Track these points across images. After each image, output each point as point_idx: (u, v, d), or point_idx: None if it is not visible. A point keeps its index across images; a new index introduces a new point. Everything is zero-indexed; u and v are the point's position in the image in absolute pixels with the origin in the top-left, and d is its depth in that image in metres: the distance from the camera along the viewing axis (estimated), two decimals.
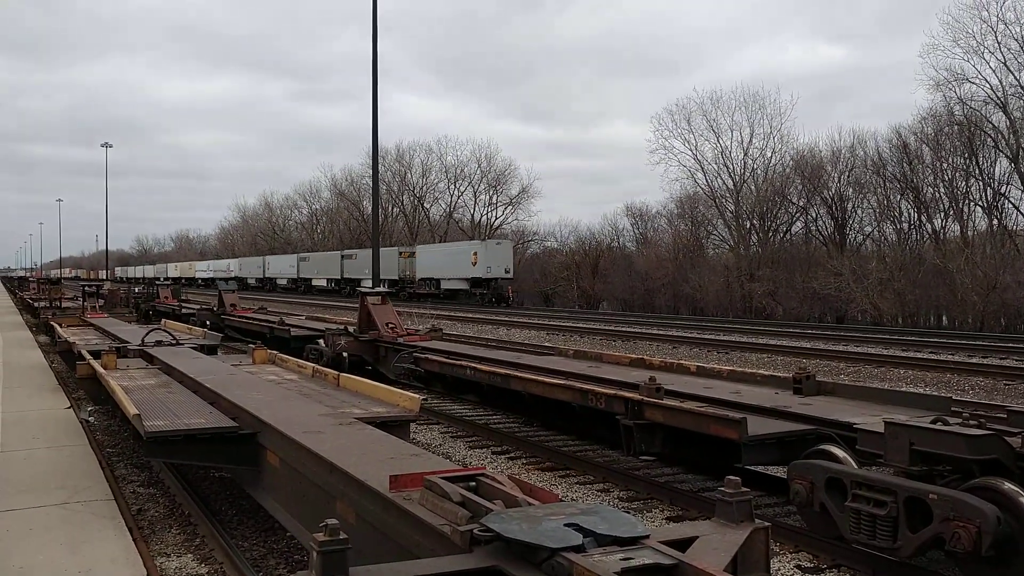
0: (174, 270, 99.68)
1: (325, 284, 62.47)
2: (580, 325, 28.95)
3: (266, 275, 73.97)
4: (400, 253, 52.94)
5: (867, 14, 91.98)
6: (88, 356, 10.63)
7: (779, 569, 5.80)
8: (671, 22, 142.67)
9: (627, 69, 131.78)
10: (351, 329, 14.28)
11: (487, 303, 42.04)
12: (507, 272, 44.94)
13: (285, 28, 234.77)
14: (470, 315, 35.10)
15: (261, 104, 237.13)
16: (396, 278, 51.28)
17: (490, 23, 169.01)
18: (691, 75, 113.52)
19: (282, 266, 72.31)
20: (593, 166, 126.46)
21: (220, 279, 78.76)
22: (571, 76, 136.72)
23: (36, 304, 31.60)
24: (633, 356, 10.82)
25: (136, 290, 35.97)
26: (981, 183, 35.35)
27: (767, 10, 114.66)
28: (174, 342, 12.40)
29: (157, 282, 54.11)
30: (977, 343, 21.22)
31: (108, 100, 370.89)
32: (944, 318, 31.69)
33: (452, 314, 34.74)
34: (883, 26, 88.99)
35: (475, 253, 45.47)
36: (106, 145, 73.76)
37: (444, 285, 47.35)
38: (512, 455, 9.45)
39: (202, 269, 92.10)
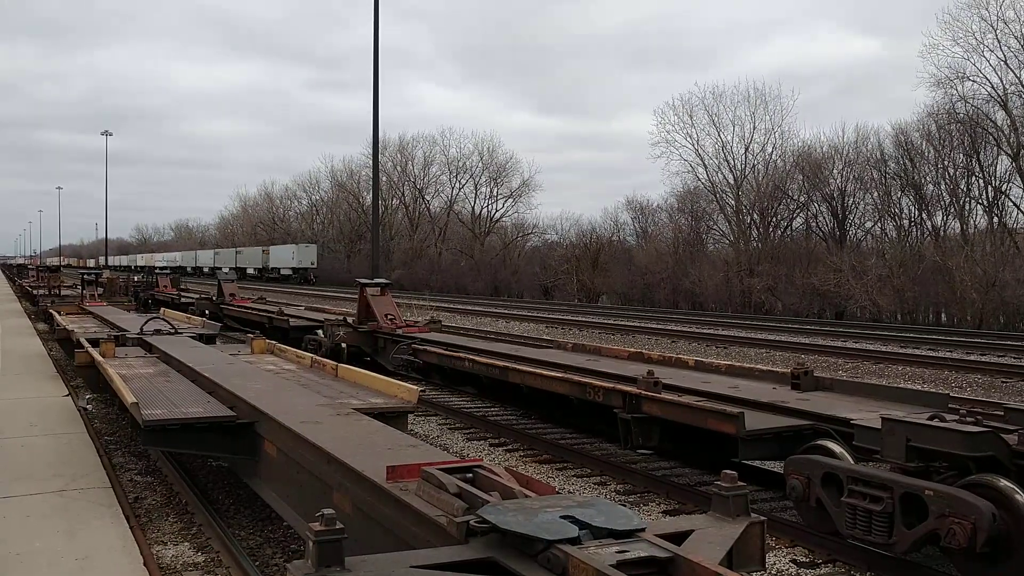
0: (141, 260, 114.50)
1: (227, 272, 79.50)
2: (579, 318, 28.96)
3: (197, 264, 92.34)
4: (263, 251, 76.77)
5: (902, 6, 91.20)
6: (87, 344, 10.63)
7: (774, 563, 5.81)
8: (704, 12, 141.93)
9: (654, 61, 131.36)
10: (350, 320, 14.28)
11: (299, 283, 65.59)
12: (312, 264, 69.07)
13: (306, 15, 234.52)
14: (469, 307, 35.11)
15: (278, 93, 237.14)
16: (260, 267, 75.11)
17: (515, 14, 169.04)
18: (718, 68, 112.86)
19: (206, 259, 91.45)
20: (612, 159, 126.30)
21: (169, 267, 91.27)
22: (594, 68, 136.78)
23: (35, 292, 31.59)
24: (632, 350, 10.82)
25: (135, 279, 35.95)
26: (982, 181, 35.34)
27: (800, 3, 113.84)
28: (173, 331, 12.40)
29: (157, 270, 55.35)
30: (975, 340, 21.23)
31: (124, 88, 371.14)
32: (943, 315, 31.67)
33: (451, 306, 34.75)
34: (912, 20, 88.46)
35: (293, 252, 71.00)
36: (106, 133, 74.09)
37: (281, 272, 71.12)
38: (510, 447, 9.47)
39: (159, 260, 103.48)
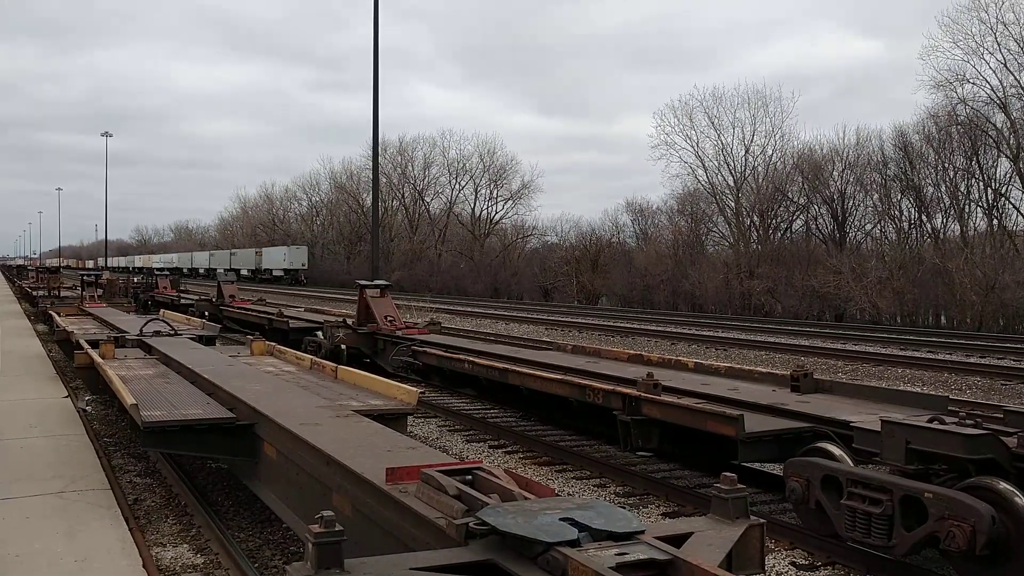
0: (139, 261, 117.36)
1: (225, 273, 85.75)
2: (579, 320, 28.96)
3: (193, 266, 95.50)
4: (256, 252, 79.41)
5: (902, 7, 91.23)
6: (86, 345, 10.62)
7: (774, 566, 5.81)
8: (704, 13, 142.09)
9: (654, 62, 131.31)
10: (350, 322, 14.27)
11: (290, 283, 68.46)
12: (303, 265, 71.84)
13: (306, 15, 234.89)
14: (469, 309, 35.10)
15: (278, 93, 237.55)
16: (253, 268, 77.62)
17: (515, 14, 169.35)
18: (719, 69, 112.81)
19: (202, 260, 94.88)
20: (612, 160, 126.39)
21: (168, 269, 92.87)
22: (596, 69, 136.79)
23: (34, 293, 31.58)
24: (631, 352, 10.82)
25: (135, 280, 35.95)
26: (982, 183, 35.35)
27: (801, 3, 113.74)
28: (172, 332, 12.40)
29: (156, 272, 55.66)
30: (975, 343, 21.23)
31: (124, 88, 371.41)
32: (943, 317, 31.66)
33: (451, 308, 34.75)
34: (912, 21, 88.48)
35: (284, 253, 73.79)
36: (106, 134, 74.21)
37: (273, 273, 73.56)
38: (509, 449, 9.46)
39: (156, 262, 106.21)
